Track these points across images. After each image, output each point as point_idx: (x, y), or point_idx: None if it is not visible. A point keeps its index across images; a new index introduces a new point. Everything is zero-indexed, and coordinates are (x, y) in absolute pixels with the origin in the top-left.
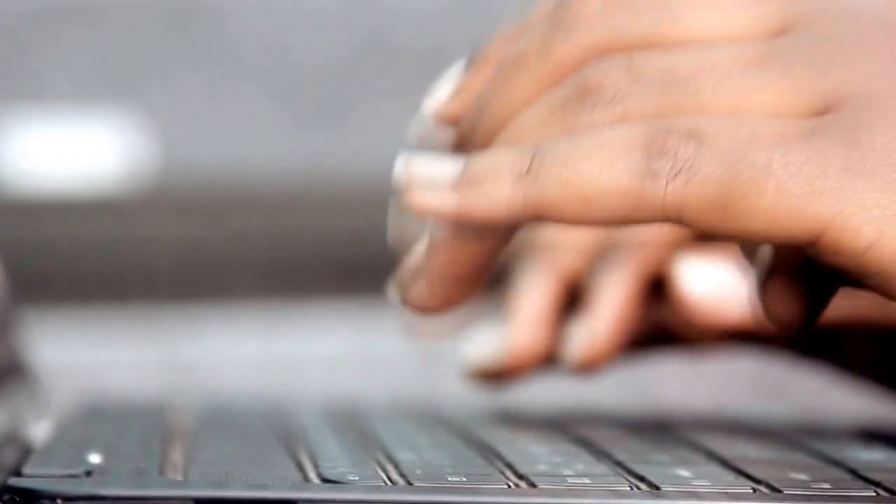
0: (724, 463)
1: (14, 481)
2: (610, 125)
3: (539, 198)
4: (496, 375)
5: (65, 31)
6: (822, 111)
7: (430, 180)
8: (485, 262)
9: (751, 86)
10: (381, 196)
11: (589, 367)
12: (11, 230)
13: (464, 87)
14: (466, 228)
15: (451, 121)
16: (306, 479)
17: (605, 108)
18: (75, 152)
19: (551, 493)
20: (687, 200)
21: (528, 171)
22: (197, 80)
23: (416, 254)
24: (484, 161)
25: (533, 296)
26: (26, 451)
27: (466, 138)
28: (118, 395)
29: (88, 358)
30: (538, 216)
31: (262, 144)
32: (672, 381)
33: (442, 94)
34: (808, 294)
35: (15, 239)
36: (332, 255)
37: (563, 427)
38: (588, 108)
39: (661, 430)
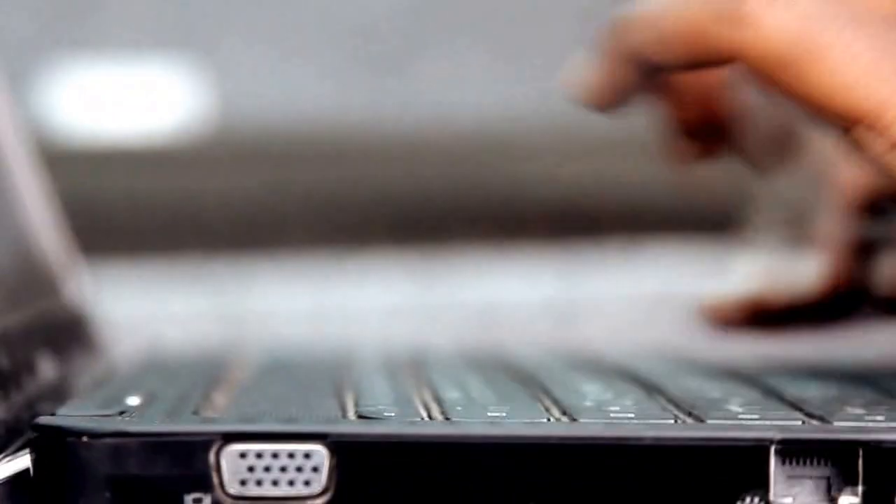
0: (782, 399)
1: (42, 419)
2: None
3: (642, 41)
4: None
5: None
6: None
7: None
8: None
9: None
10: (440, 145)
11: None
12: (67, 180)
13: None
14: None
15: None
16: (344, 416)
17: None
18: (133, 101)
19: (585, 427)
20: (753, 47)
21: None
22: (257, 29)
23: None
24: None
25: (833, 229)
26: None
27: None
28: (173, 346)
29: (143, 309)
30: (647, 59)
31: (321, 93)
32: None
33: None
34: None
35: (71, 189)
36: (390, 204)
37: (629, 370)
38: None
39: (727, 372)
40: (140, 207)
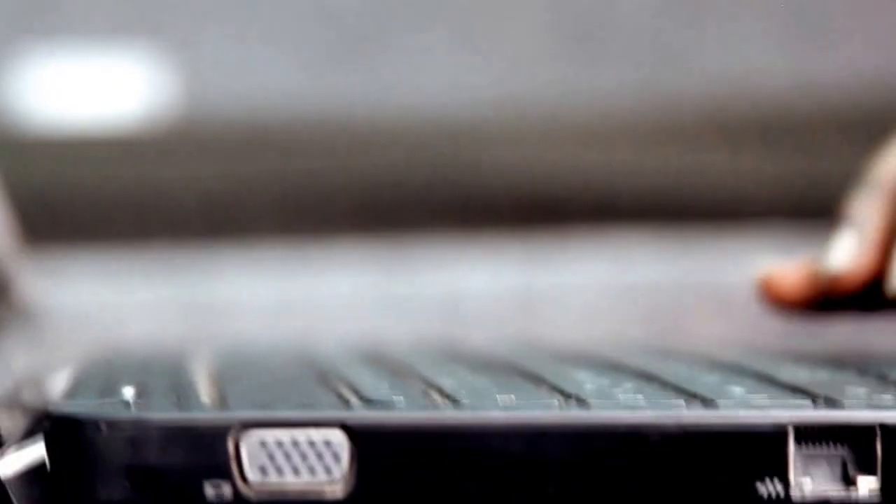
0: (779, 383)
1: (55, 407)
2: None
3: None
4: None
5: None
6: None
7: None
8: None
9: None
10: (406, 134)
11: None
12: (29, 169)
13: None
14: None
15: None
16: (347, 402)
17: None
18: (95, 89)
19: (613, 407)
20: None
21: None
22: (223, 17)
23: None
24: None
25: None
26: (53, 390)
27: None
28: (137, 339)
29: (106, 298)
30: None
31: (287, 82)
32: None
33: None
34: None
35: (32, 178)
36: (356, 193)
37: (609, 358)
38: None
39: (705, 358)
40: (105, 196)
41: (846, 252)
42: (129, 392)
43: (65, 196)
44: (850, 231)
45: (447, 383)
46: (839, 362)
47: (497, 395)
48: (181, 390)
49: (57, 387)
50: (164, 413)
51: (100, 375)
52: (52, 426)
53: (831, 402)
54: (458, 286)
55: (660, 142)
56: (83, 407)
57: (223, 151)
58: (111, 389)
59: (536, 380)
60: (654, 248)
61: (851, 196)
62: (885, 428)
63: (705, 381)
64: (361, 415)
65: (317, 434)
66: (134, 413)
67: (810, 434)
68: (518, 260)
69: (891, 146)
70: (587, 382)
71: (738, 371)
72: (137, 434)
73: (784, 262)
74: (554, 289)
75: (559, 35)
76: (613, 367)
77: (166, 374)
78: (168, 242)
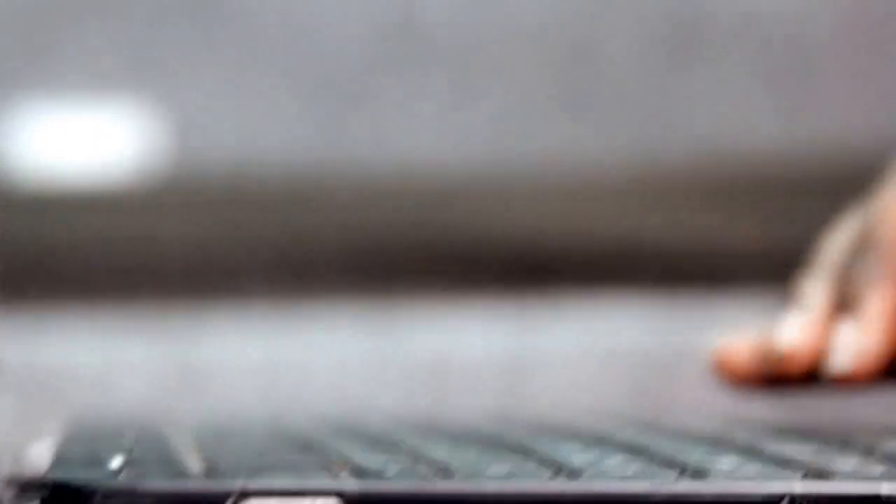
0: (769, 458)
1: (54, 476)
2: None
3: None
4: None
5: (80, 20)
6: None
7: None
8: None
9: None
10: (395, 191)
11: (854, 378)
12: (20, 224)
13: None
14: None
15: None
16: (336, 473)
17: None
18: (87, 145)
19: (606, 478)
20: None
21: None
22: (213, 72)
23: None
24: None
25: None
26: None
27: None
28: (121, 399)
29: (93, 356)
30: None
31: (276, 138)
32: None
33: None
34: None
35: (23, 233)
36: (346, 251)
37: (594, 431)
38: None
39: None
40: (93, 252)
41: (793, 332)
42: (119, 460)
43: (52, 252)
44: (797, 311)
45: (437, 454)
46: (824, 435)
47: (483, 467)
48: (172, 459)
49: (44, 454)
50: (160, 483)
51: (86, 442)
52: (50, 495)
53: (820, 475)
54: (447, 348)
55: (649, 202)
56: (80, 476)
57: (213, 207)
58: (100, 458)
59: (525, 452)
60: (644, 312)
61: (800, 276)
62: (880, 500)
63: (695, 456)
64: (357, 484)
65: (313, 503)
66: (130, 482)
67: None
68: (508, 322)
69: (837, 227)
70: (576, 455)
71: (724, 444)
72: (131, 503)
73: (736, 338)
74: (543, 353)
75: (550, 97)
76: (601, 440)
77: (153, 442)
78: (156, 300)
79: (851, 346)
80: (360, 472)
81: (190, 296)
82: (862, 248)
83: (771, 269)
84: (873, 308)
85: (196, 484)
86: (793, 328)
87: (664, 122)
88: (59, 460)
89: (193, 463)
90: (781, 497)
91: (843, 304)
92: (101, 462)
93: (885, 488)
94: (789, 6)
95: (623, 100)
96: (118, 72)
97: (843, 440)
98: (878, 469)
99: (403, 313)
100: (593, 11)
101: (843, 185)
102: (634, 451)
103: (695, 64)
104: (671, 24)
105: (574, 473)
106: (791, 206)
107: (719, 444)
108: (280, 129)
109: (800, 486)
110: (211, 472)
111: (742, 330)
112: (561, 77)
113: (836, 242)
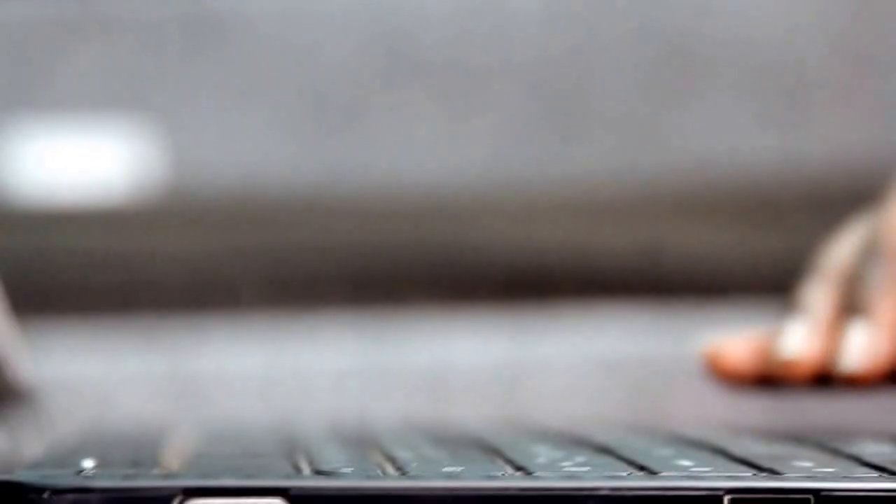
0: (731, 457)
1: (3, 477)
2: None
3: None
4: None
5: (75, 41)
6: None
7: None
8: None
9: None
10: (393, 206)
11: (867, 379)
12: (19, 241)
13: None
14: None
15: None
16: (300, 473)
17: None
18: (84, 163)
19: (543, 479)
20: None
21: None
22: (208, 92)
23: None
24: None
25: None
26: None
27: None
28: (121, 413)
29: (93, 371)
30: None
31: (273, 154)
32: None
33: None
34: None
35: (22, 250)
36: (343, 268)
37: (576, 434)
38: None
39: (672, 435)
40: (93, 268)
41: (798, 338)
42: (88, 463)
43: (51, 268)
44: (801, 318)
45: (403, 455)
46: (806, 439)
47: (444, 466)
48: (141, 462)
49: (28, 459)
50: (108, 481)
51: (71, 448)
52: (0, 492)
53: (770, 473)
54: (444, 360)
55: (643, 218)
56: (30, 475)
57: (209, 225)
58: (75, 460)
59: (494, 453)
60: (639, 323)
61: (802, 283)
62: (818, 495)
63: (658, 455)
64: (302, 483)
65: (258, 502)
66: (78, 480)
67: (746, 501)
68: (504, 334)
69: (838, 235)
70: (541, 456)
71: (695, 446)
72: (81, 501)
73: (732, 337)
74: (539, 363)
75: (544, 112)
76: (575, 442)
77: (135, 448)
78: (155, 315)
79: (864, 346)
80: (315, 473)
81: (187, 311)
82: (871, 255)
83: (763, 283)
84: (885, 313)
85: (142, 482)
86: (797, 334)
87: (658, 140)
88: (35, 462)
89: (162, 465)
90: (721, 494)
91: (850, 309)
92: (74, 464)
93: (824, 486)
94: (781, 29)
95: (617, 116)
96: (114, 91)
97: (822, 443)
98: (829, 470)
99: (401, 329)
100: (588, 31)
101: (835, 202)
102: (601, 451)
103: (688, 83)
104: (665, 44)
105: (526, 471)
106: (783, 222)
107: (689, 446)
108: (276, 148)
109: (739, 484)
110: (167, 473)
111: (736, 334)
112: (554, 96)
113: (840, 250)
